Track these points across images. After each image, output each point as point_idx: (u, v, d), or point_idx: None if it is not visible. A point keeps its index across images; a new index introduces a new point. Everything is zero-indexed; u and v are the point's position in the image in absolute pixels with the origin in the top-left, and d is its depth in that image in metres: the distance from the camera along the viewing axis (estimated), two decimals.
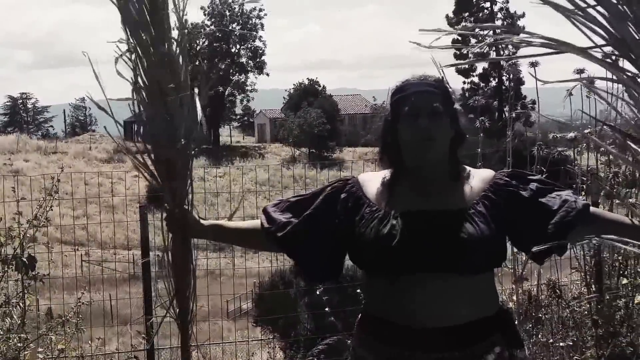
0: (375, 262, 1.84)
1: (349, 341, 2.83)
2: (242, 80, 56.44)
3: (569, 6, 1.28)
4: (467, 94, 45.76)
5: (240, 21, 54.83)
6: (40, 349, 3.93)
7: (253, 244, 2.25)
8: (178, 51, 1.95)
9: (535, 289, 3.90)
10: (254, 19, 55.33)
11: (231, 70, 54.65)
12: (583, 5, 1.27)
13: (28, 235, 3.84)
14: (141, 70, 1.93)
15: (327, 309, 4.41)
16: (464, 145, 1.93)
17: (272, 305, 8.55)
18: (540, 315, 3.88)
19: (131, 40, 1.92)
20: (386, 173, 1.93)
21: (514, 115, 3.85)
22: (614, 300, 3.68)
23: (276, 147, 49.77)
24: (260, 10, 55.57)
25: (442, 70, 1.94)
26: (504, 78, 48.04)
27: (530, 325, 3.81)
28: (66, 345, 4.05)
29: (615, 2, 1.26)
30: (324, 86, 55.36)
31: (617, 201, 3.61)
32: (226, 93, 54.85)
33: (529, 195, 1.85)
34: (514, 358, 1.87)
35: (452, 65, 1.67)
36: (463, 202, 1.83)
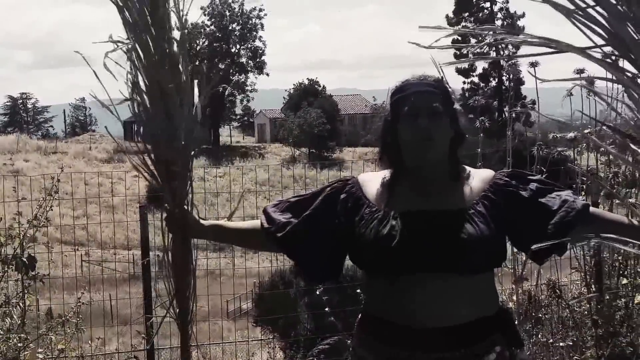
0: (375, 263, 1.84)
1: (349, 341, 2.83)
2: (242, 80, 56.47)
3: (569, 5, 1.28)
4: (467, 94, 45.77)
5: (240, 21, 54.85)
6: (40, 349, 3.93)
7: (253, 244, 2.25)
8: (179, 51, 1.95)
9: (535, 289, 3.90)
10: (254, 19, 55.36)
11: (231, 70, 54.66)
12: (583, 5, 1.27)
13: (28, 235, 3.84)
14: (141, 70, 1.93)
15: (327, 309, 4.42)
16: (463, 145, 1.93)
17: (272, 305, 8.55)
18: (540, 315, 3.88)
19: (131, 40, 1.92)
20: (386, 173, 1.93)
21: (514, 115, 3.84)
22: (614, 300, 3.68)
23: (276, 147, 49.78)
24: (260, 10, 55.65)
25: (442, 70, 1.94)
26: (504, 78, 48.06)
27: (530, 325, 3.81)
28: (66, 345, 4.05)
29: (614, 2, 1.26)
30: (324, 86, 55.39)
31: (617, 201, 3.61)
32: (226, 93, 54.85)
33: (529, 196, 1.85)
34: (514, 358, 1.88)
35: (451, 64, 1.66)
36: (463, 202, 1.83)
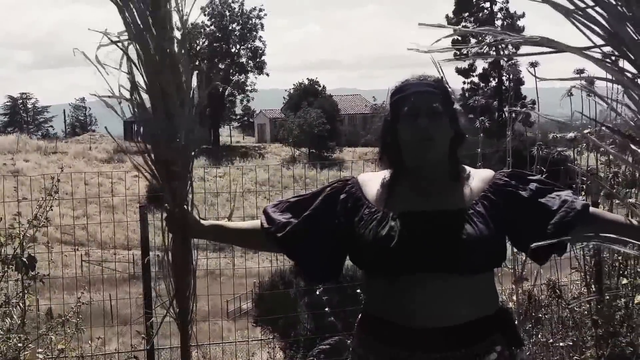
0: (374, 263, 1.84)
1: (348, 341, 2.83)
2: (242, 80, 56.47)
3: (569, 5, 1.29)
4: (467, 94, 45.76)
5: (240, 21, 54.86)
6: (40, 349, 3.93)
7: (253, 244, 2.25)
8: (179, 51, 1.95)
9: (535, 289, 3.90)
10: (254, 19, 55.35)
11: (231, 70, 54.67)
12: (582, 5, 1.27)
13: (28, 235, 3.84)
14: (142, 69, 1.93)
15: (327, 309, 4.42)
16: (463, 145, 1.93)
17: (272, 305, 8.55)
18: (540, 315, 3.88)
19: (132, 40, 1.92)
20: (386, 173, 1.93)
21: (513, 115, 3.85)
22: (614, 300, 3.68)
23: (276, 147, 49.78)
24: (260, 10, 55.64)
25: (442, 70, 1.94)
26: (504, 78, 48.07)
27: (530, 325, 3.81)
28: (66, 345, 4.05)
29: (614, 2, 1.26)
30: (324, 86, 55.39)
31: (617, 201, 3.61)
32: (226, 93, 54.86)
33: (528, 196, 1.85)
34: (514, 357, 1.88)
35: (450, 61, 1.66)
36: (463, 202, 1.83)
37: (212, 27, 53.87)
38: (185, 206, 2.00)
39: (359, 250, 1.87)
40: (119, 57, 1.91)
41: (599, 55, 1.32)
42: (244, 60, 56.01)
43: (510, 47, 1.74)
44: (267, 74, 56.95)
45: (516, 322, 2.40)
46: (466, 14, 50.34)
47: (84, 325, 4.30)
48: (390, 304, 1.82)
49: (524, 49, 1.43)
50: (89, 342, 4.84)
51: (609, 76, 1.40)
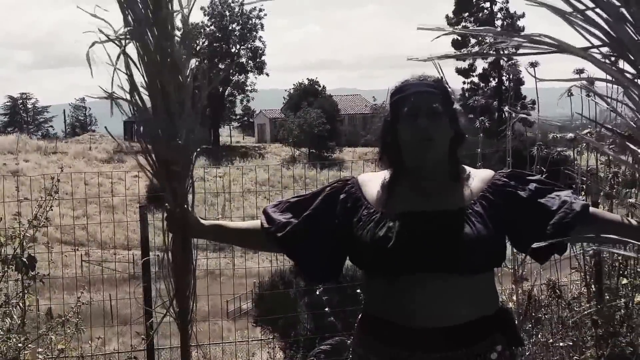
0: (373, 264, 1.85)
1: (349, 341, 2.83)
2: (242, 80, 56.47)
3: (566, 7, 1.29)
4: (467, 94, 45.78)
5: (240, 21, 54.86)
6: (40, 349, 3.93)
7: (253, 244, 2.25)
8: (181, 51, 1.95)
9: (535, 289, 3.90)
10: (253, 19, 55.35)
11: (231, 71, 54.66)
12: (582, 7, 1.27)
13: (28, 235, 3.84)
14: (142, 69, 1.93)
15: (327, 309, 4.42)
16: (463, 145, 1.93)
17: (272, 305, 8.54)
18: (540, 315, 3.88)
19: (133, 39, 1.92)
20: (386, 173, 1.93)
21: (513, 115, 3.84)
22: (614, 300, 3.68)
23: (276, 147, 49.77)
24: (260, 10, 55.64)
25: (442, 70, 1.94)
26: (504, 78, 48.07)
27: (530, 325, 3.81)
28: (66, 345, 4.05)
29: (614, 3, 1.26)
30: (323, 86, 55.39)
31: (617, 201, 3.61)
32: (226, 93, 54.86)
33: (528, 196, 1.85)
34: (514, 357, 1.88)
35: (448, 57, 1.66)
36: (462, 202, 1.84)
37: (212, 27, 53.87)
38: (185, 206, 2.00)
39: (358, 251, 1.87)
40: (119, 57, 1.91)
41: (599, 56, 1.32)
42: (244, 60, 56.02)
43: (510, 46, 1.74)
44: (267, 74, 57.01)
45: (516, 322, 2.40)
46: (466, 14, 50.34)
47: (84, 325, 4.30)
48: (390, 304, 1.82)
49: (524, 49, 1.43)
50: (89, 342, 4.84)
51: (609, 77, 1.40)
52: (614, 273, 3.77)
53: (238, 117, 60.97)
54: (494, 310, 1.86)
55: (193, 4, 1.94)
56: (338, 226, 1.90)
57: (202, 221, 2.03)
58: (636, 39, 1.26)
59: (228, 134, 58.77)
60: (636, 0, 1.25)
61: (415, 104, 1.84)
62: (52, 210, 4.03)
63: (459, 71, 48.47)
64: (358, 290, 4.11)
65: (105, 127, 2.17)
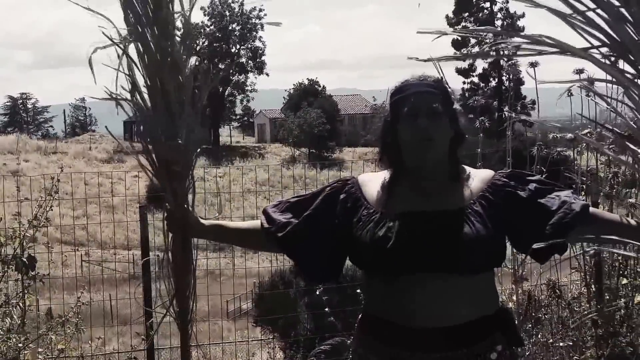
0: (373, 264, 1.85)
1: (349, 341, 2.83)
2: (242, 80, 56.47)
3: (566, 9, 1.29)
4: (467, 94, 45.79)
5: (240, 21, 54.85)
6: (40, 349, 3.93)
7: (253, 244, 2.25)
8: (181, 50, 1.95)
9: (535, 289, 3.90)
10: (253, 19, 55.34)
11: (231, 71, 54.65)
12: (582, 8, 1.27)
13: (28, 235, 3.84)
14: (143, 69, 1.93)
15: (327, 309, 4.42)
16: (463, 145, 1.94)
17: (272, 305, 8.54)
18: (540, 315, 3.88)
19: (134, 39, 1.92)
20: (386, 174, 1.93)
21: (512, 116, 3.85)
22: (614, 300, 3.68)
23: (276, 147, 49.77)
24: (260, 10, 55.62)
25: (442, 71, 1.95)
26: (504, 78, 48.09)
27: (530, 325, 3.81)
28: (66, 345, 4.05)
29: (614, 4, 1.26)
30: (323, 86, 55.39)
31: (617, 201, 3.61)
32: (226, 93, 54.86)
33: (527, 196, 1.85)
34: (515, 357, 1.88)
35: (449, 59, 1.66)
36: (461, 202, 1.84)
37: (212, 27, 53.87)
38: (185, 206, 2.00)
39: (358, 251, 1.87)
40: (120, 57, 1.91)
41: (599, 56, 1.32)
42: (243, 60, 56.02)
43: (510, 47, 1.74)
44: (267, 74, 57.00)
45: (516, 322, 2.40)
46: (466, 14, 50.34)
47: (84, 325, 4.30)
48: (390, 304, 1.82)
49: (524, 50, 1.44)
50: (89, 342, 4.84)
51: (609, 77, 1.40)
52: (614, 273, 3.77)
53: (238, 117, 60.96)
54: (494, 310, 1.86)
55: (193, 5, 1.94)
56: (338, 226, 1.90)
57: (202, 221, 2.03)
58: (636, 39, 1.26)
59: (228, 134, 58.75)
60: (636, 0, 1.25)
61: (415, 104, 1.84)
62: (52, 210, 4.03)
63: (459, 71, 48.45)
64: (358, 290, 4.12)
65: (106, 127, 2.17)
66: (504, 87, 47.78)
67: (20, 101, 74.74)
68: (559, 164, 4.01)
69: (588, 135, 3.32)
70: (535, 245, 1.62)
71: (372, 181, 1.94)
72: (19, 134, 52.79)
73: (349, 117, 54.86)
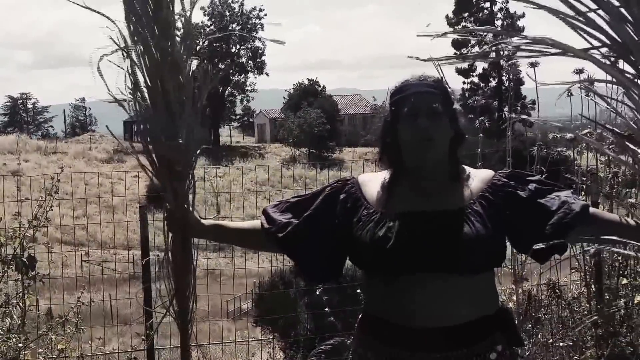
0: (373, 264, 1.85)
1: (349, 341, 2.83)
2: (242, 80, 56.46)
3: (566, 9, 1.29)
4: (466, 94, 45.78)
5: (240, 21, 54.83)
6: (40, 349, 3.93)
7: (253, 244, 2.25)
8: (182, 50, 1.95)
9: (535, 289, 3.90)
10: (253, 19, 55.34)
11: (231, 71, 54.65)
12: (584, 9, 1.27)
13: (28, 235, 3.84)
14: (143, 69, 1.93)
15: (327, 309, 4.42)
16: (463, 145, 1.94)
17: (272, 305, 8.53)
18: (540, 315, 3.88)
19: (135, 39, 1.92)
20: (386, 174, 1.93)
21: (513, 115, 3.84)
22: (614, 300, 3.68)
23: (276, 147, 49.77)
24: (260, 10, 55.63)
25: (442, 71, 1.94)
26: (504, 78, 48.08)
27: (530, 325, 3.81)
28: (66, 345, 4.05)
29: (614, 4, 1.26)
30: (323, 86, 55.38)
31: (617, 201, 3.61)
32: (226, 93, 54.84)
33: (527, 196, 1.85)
34: (515, 357, 1.88)
35: (449, 60, 1.66)
36: (461, 202, 1.84)
37: (212, 27, 53.85)
38: (185, 206, 2.00)
39: (358, 251, 1.87)
40: (121, 57, 1.91)
41: (599, 56, 1.32)
42: (243, 60, 56.02)
43: (511, 48, 1.74)
44: (267, 74, 57.00)
45: (516, 322, 2.41)
46: (466, 14, 50.34)
47: (84, 325, 4.30)
48: (390, 304, 1.82)
49: (524, 51, 1.44)
50: (89, 342, 4.84)
51: (609, 77, 1.40)
52: (614, 273, 3.77)
53: (238, 117, 60.96)
54: (494, 310, 1.86)
55: (193, 5, 1.94)
56: (338, 226, 1.90)
57: (202, 221, 2.03)
58: (637, 39, 1.26)
59: (228, 134, 58.75)
60: (637, 0, 1.25)
61: (415, 104, 1.84)
62: (52, 210, 4.03)
63: (459, 71, 48.45)
64: (358, 290, 4.12)
65: (107, 127, 2.17)
66: (504, 87, 47.78)
67: (20, 101, 74.73)
68: (559, 164, 4.01)
69: (588, 135, 3.32)
70: (535, 246, 1.62)
71: (372, 181, 1.94)
72: (19, 134, 52.80)
73: (349, 117, 54.86)
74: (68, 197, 12.59)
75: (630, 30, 1.26)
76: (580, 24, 1.29)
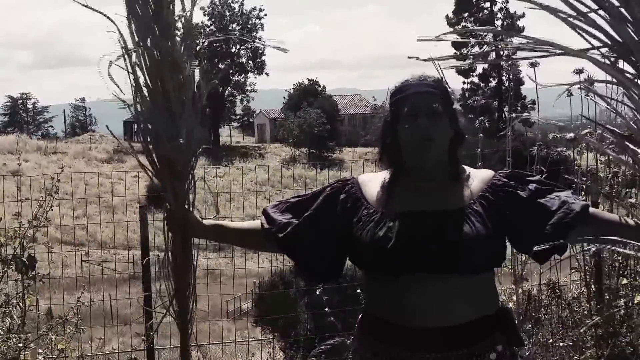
0: (373, 264, 1.85)
1: (349, 342, 2.83)
2: (242, 80, 56.48)
3: (566, 8, 1.29)
4: (466, 94, 45.78)
5: (240, 21, 54.84)
6: (40, 349, 3.93)
7: (253, 244, 2.25)
8: (182, 50, 1.95)
9: (535, 289, 3.90)
10: (253, 19, 55.35)
11: (231, 71, 54.66)
12: (584, 9, 1.27)
13: (28, 235, 3.84)
14: (144, 69, 1.93)
15: (327, 309, 4.42)
16: (463, 145, 1.94)
17: (272, 305, 8.53)
18: (540, 315, 3.88)
19: (136, 41, 1.92)
20: (386, 174, 1.93)
21: (513, 115, 3.84)
22: (614, 300, 3.68)
23: (276, 147, 49.77)
24: (260, 10, 55.64)
25: (442, 71, 1.94)
26: (504, 78, 48.08)
27: (530, 325, 3.81)
28: (66, 345, 4.05)
29: (616, 4, 1.26)
30: (323, 86, 55.40)
31: (617, 201, 3.61)
32: (226, 93, 54.85)
33: (527, 196, 1.85)
34: (515, 357, 1.88)
35: (449, 59, 1.66)
36: (462, 202, 1.84)
37: (212, 27, 53.86)
38: (185, 206, 2.00)
39: (358, 251, 1.87)
40: (119, 58, 1.91)
41: (599, 56, 1.32)
42: (243, 60, 56.02)
43: (511, 48, 1.74)
44: (267, 74, 57.02)
45: (516, 322, 2.41)
46: (466, 14, 50.35)
47: (84, 325, 4.30)
48: (391, 304, 1.82)
49: (523, 51, 1.44)
50: (89, 342, 4.84)
51: (609, 77, 1.40)
52: (614, 273, 3.78)
53: (238, 117, 60.96)
54: (494, 310, 1.86)
55: (194, 6, 1.94)
56: (338, 226, 1.90)
57: (203, 221, 2.03)
58: (637, 39, 1.26)
59: (228, 134, 58.75)
60: (637, 0, 1.25)
61: (415, 104, 1.84)
62: (52, 210, 4.03)
63: (459, 71, 48.41)
64: (358, 290, 4.12)
65: (107, 127, 2.17)
66: (504, 87, 47.80)
67: (20, 101, 74.72)
68: (559, 164, 4.01)
69: (588, 135, 3.32)
70: (536, 248, 1.62)
71: (372, 181, 1.94)
72: (19, 134, 52.79)
73: (349, 117, 54.86)
74: (68, 197, 12.58)
75: (630, 30, 1.26)
76: (580, 24, 1.29)
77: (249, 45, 55.21)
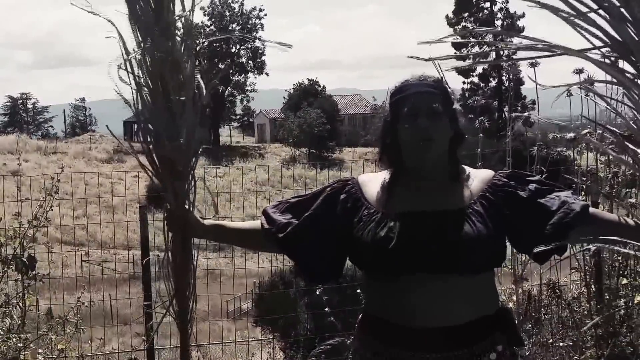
0: (374, 264, 1.85)
1: (349, 342, 2.83)
2: (242, 80, 56.48)
3: (567, 9, 1.29)
4: (466, 94, 45.77)
5: (240, 21, 54.85)
6: (40, 349, 3.93)
7: (253, 244, 2.25)
8: (182, 50, 1.95)
9: (535, 289, 3.90)
10: (253, 19, 55.35)
11: (231, 71, 54.67)
12: (585, 9, 1.27)
13: (28, 235, 3.84)
14: (145, 69, 1.93)
15: (327, 309, 4.42)
16: (463, 145, 1.94)
17: (272, 305, 8.53)
18: (540, 315, 3.88)
19: (140, 41, 1.92)
20: (386, 174, 1.93)
21: (513, 115, 3.84)
22: (614, 300, 3.68)
23: (276, 147, 49.77)
24: (260, 10, 55.66)
25: (442, 71, 1.94)
26: (504, 78, 48.08)
27: (530, 325, 3.81)
28: (66, 345, 4.05)
29: (616, 4, 1.26)
30: (323, 86, 55.41)
31: (617, 201, 3.61)
32: (226, 93, 54.85)
33: (527, 196, 1.85)
34: (515, 357, 1.88)
35: (449, 59, 1.66)
36: (462, 202, 1.84)
37: (212, 27, 53.86)
38: (186, 206, 2.00)
39: (359, 251, 1.87)
40: (122, 56, 1.91)
41: (599, 56, 1.32)
42: (243, 60, 56.03)
43: (511, 48, 1.74)
44: (267, 74, 57.03)
45: (516, 322, 2.41)
46: (466, 14, 50.34)
47: (84, 326, 4.30)
48: (391, 304, 1.82)
49: (523, 51, 1.44)
50: (89, 342, 4.84)
51: (609, 77, 1.40)
52: (614, 273, 3.77)
53: (238, 117, 60.98)
54: (494, 310, 1.86)
55: (194, 6, 1.94)
56: (338, 226, 1.90)
57: (203, 221, 2.03)
58: (637, 39, 1.26)
59: (228, 134, 58.76)
60: (637, 0, 1.25)
61: (415, 104, 1.84)
62: (52, 210, 4.03)
63: (459, 71, 48.40)
64: (358, 290, 4.12)
65: (107, 127, 2.17)
66: (504, 87, 47.79)
67: (20, 101, 74.71)
68: (559, 164, 4.01)
69: (588, 135, 3.32)
70: (536, 249, 1.62)
71: (372, 181, 1.94)
72: (19, 134, 52.77)
73: (349, 117, 54.87)
74: (68, 197, 12.58)
75: (630, 30, 1.26)
76: (581, 23, 1.29)
77: (249, 45, 55.24)
